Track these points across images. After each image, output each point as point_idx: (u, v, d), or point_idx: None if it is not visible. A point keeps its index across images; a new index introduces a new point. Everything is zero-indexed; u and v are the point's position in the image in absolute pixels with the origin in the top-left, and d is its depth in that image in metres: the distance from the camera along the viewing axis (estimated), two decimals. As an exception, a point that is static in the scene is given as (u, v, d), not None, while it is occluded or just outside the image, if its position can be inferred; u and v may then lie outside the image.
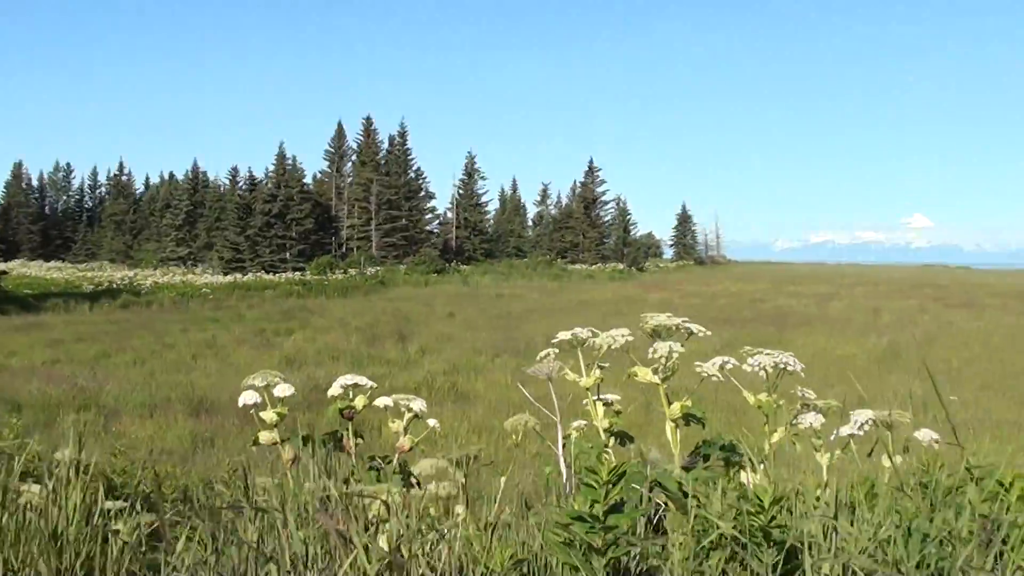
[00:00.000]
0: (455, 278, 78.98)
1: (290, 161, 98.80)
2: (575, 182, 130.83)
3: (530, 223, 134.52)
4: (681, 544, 2.82)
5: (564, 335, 4.11)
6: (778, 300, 54.26)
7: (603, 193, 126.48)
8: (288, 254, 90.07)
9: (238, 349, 27.71)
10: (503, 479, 4.04)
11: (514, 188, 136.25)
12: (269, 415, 4.43)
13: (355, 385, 4.61)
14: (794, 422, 3.99)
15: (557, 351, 4.17)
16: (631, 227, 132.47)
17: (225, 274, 79.24)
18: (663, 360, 3.76)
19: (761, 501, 2.81)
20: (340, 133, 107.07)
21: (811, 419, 3.98)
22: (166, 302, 50.26)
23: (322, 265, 78.91)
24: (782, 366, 3.90)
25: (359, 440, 4.49)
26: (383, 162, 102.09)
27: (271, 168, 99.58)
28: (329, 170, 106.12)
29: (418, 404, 4.68)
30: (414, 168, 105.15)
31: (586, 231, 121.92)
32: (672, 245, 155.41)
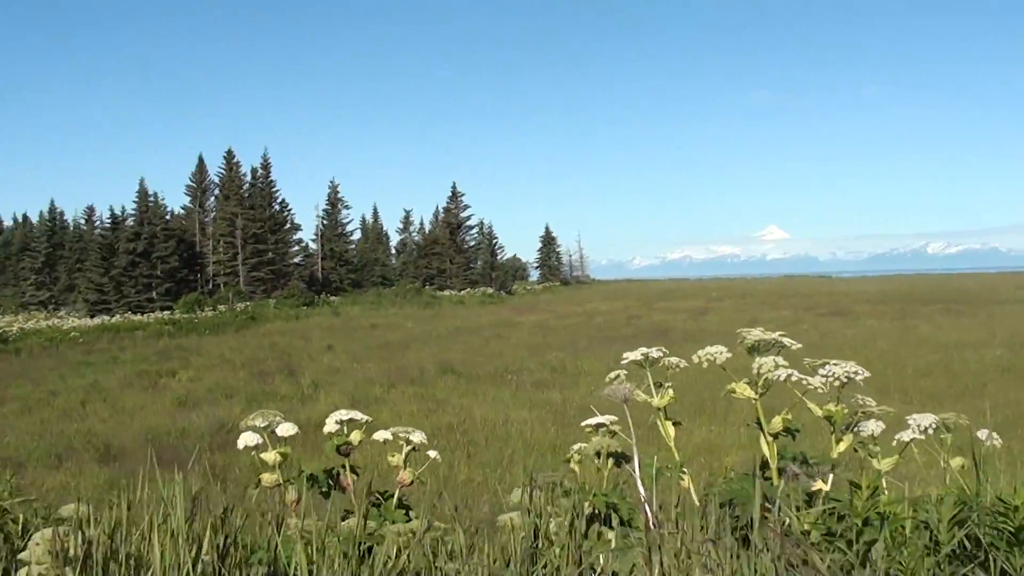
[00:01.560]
0: (325, 310, 78.19)
1: (152, 198, 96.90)
2: (437, 207, 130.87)
3: (393, 251, 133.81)
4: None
5: (633, 355, 4.08)
6: (653, 316, 54.85)
7: (468, 218, 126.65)
8: (155, 293, 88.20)
9: (125, 392, 27.01)
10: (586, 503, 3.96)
11: (375, 216, 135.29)
12: (271, 456, 4.34)
13: (351, 420, 4.55)
14: (856, 430, 4.00)
15: (626, 372, 4.12)
16: (497, 251, 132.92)
17: (91, 316, 77.33)
18: (763, 376, 3.74)
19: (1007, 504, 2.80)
20: (201, 167, 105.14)
21: (872, 426, 4.00)
22: (35, 348, 48.76)
23: (190, 303, 77.46)
24: (851, 375, 3.90)
25: (354, 476, 4.43)
26: (247, 195, 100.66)
27: (132, 206, 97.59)
28: (192, 205, 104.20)
29: (418, 436, 4.62)
30: (279, 200, 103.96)
31: (453, 256, 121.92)
32: (538, 267, 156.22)
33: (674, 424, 4.21)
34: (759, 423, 3.84)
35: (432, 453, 4.73)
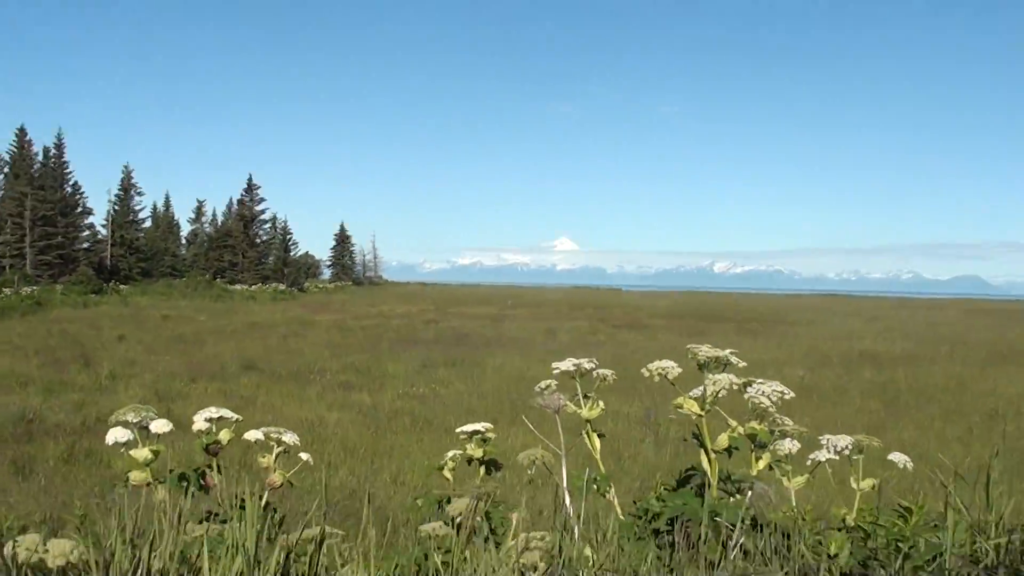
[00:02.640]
0: (115, 299, 75.96)
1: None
2: (231, 199, 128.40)
3: (184, 241, 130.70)
4: None
5: (563, 365, 3.99)
6: (450, 321, 54.85)
7: (262, 211, 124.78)
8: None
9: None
10: (515, 515, 3.85)
11: (167, 204, 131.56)
12: (143, 453, 4.15)
13: (220, 418, 4.40)
14: (773, 448, 4.00)
15: (556, 383, 4.03)
16: (291, 247, 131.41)
17: None
18: (714, 393, 3.70)
19: None
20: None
21: (788, 445, 4.02)
22: None
23: (-30, 285, 74.35)
24: (781, 394, 3.90)
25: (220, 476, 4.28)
26: (38, 175, 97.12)
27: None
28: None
29: (290, 437, 4.50)
30: (71, 182, 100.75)
31: (245, 250, 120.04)
32: (331, 265, 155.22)
33: (599, 436, 4.13)
34: (697, 438, 3.81)
35: (304, 455, 4.59)
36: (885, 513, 3.52)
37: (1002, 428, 17.66)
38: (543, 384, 4.00)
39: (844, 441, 4.03)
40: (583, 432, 4.04)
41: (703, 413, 3.72)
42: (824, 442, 4.06)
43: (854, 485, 4.02)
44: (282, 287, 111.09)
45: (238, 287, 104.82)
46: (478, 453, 4.88)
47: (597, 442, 4.03)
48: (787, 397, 3.90)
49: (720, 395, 3.73)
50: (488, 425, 4.92)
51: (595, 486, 3.89)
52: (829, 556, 3.13)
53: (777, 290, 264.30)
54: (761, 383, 3.89)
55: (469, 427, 4.92)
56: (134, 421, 4.19)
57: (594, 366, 4.00)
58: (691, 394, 3.81)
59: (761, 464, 3.97)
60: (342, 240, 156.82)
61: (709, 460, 3.74)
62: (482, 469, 4.85)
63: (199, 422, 4.35)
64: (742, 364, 3.89)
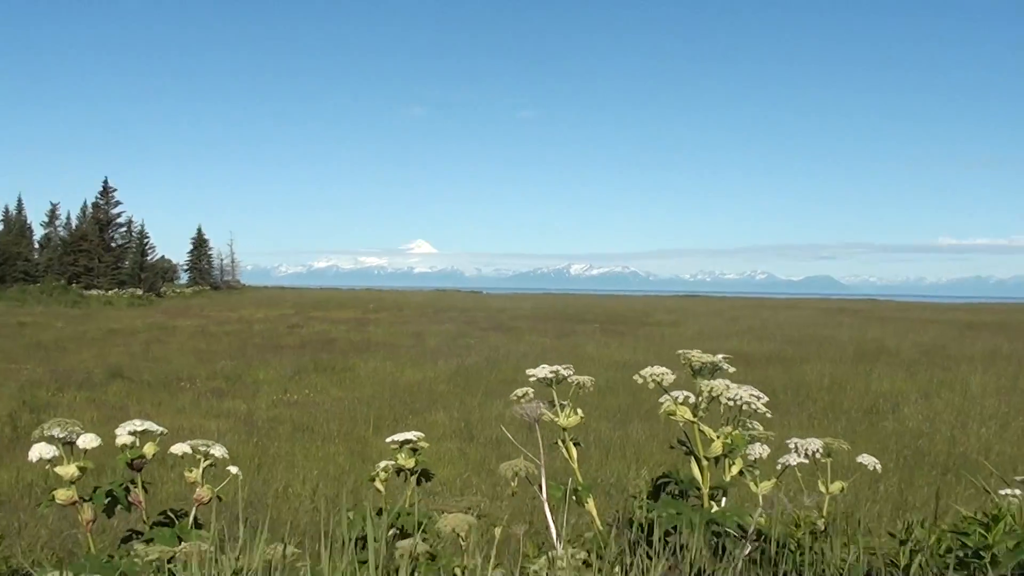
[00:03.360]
0: (-35, 304, 73.76)
1: None
2: (86, 203, 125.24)
3: (37, 245, 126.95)
4: None
5: (541, 371, 3.87)
6: (314, 326, 54.24)
7: (119, 215, 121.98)
8: None
9: None
10: (497, 530, 3.71)
11: (19, 207, 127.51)
12: (69, 471, 3.97)
13: (144, 432, 4.24)
14: (745, 452, 3.94)
15: (533, 391, 3.90)
16: (148, 251, 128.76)
17: None
18: (704, 398, 3.61)
19: None
20: None
21: (759, 450, 3.98)
22: None
23: None
24: (756, 397, 3.83)
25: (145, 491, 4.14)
26: None
27: None
28: None
29: (219, 450, 4.36)
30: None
31: (101, 255, 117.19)
32: (188, 270, 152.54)
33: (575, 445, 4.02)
34: (686, 444, 3.72)
35: (233, 469, 4.45)
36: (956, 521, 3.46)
37: (884, 424, 18.05)
38: (520, 392, 3.87)
39: (815, 444, 4.00)
40: (558, 441, 3.91)
41: (695, 419, 3.63)
42: (793, 446, 4.02)
43: (822, 488, 3.98)
44: (139, 292, 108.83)
45: (94, 292, 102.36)
46: (410, 463, 4.78)
47: (574, 451, 3.91)
48: (760, 402, 3.83)
49: (717, 400, 3.64)
50: (420, 434, 4.82)
51: (574, 496, 3.78)
52: (893, 564, 3.06)
53: (634, 291, 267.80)
54: (738, 387, 3.82)
55: (399, 436, 4.82)
56: (59, 436, 3.99)
57: (571, 373, 3.87)
58: (674, 397, 3.70)
59: (734, 470, 3.90)
60: (199, 244, 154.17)
61: (700, 468, 3.65)
62: (413, 479, 4.76)
63: (122, 436, 4.17)
64: (731, 369, 3.81)
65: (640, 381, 3.69)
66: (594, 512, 3.79)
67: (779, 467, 3.99)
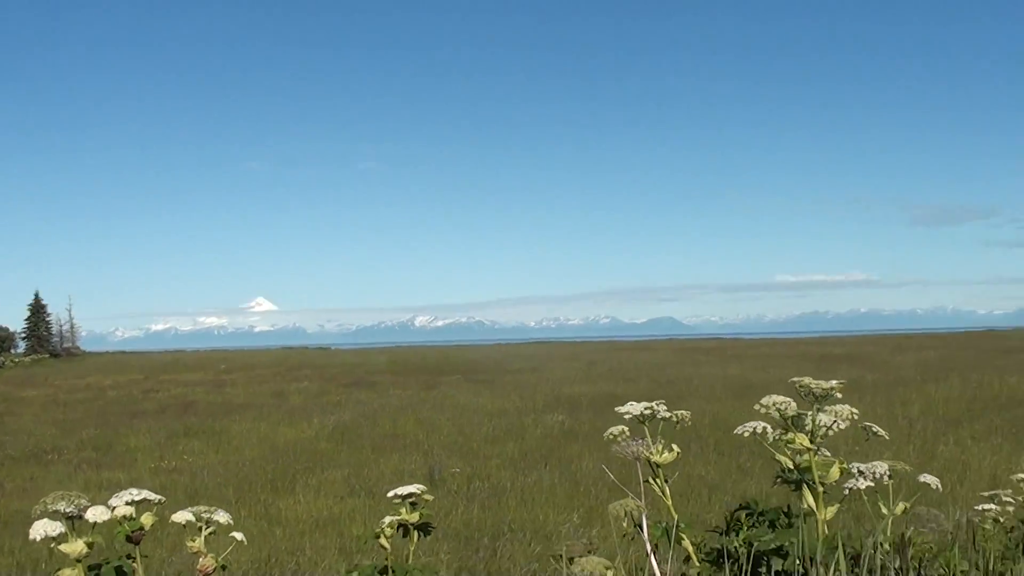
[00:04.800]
0: None
1: None
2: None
3: None
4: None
5: (635, 409, 3.85)
6: (169, 389, 53.18)
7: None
8: None
9: None
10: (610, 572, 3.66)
11: None
12: (77, 547, 3.75)
13: (144, 500, 4.05)
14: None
15: (628, 428, 3.88)
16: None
17: None
18: (826, 427, 3.63)
19: None
20: None
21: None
22: None
23: None
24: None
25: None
26: None
27: None
28: None
29: (223, 516, 4.23)
30: None
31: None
32: (26, 338, 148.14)
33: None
34: (789, 473, 3.73)
35: (238, 535, 4.31)
36: None
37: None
38: (616, 430, 3.84)
39: (881, 468, 4.04)
40: (648, 478, 3.89)
41: (813, 447, 3.64)
42: (859, 470, 4.06)
43: (885, 510, 4.02)
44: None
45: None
46: (414, 518, 4.71)
47: (667, 487, 3.89)
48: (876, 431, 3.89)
49: (835, 428, 3.67)
50: (422, 487, 4.75)
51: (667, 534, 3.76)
52: None
53: (481, 341, 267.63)
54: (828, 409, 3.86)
55: (403, 490, 4.74)
56: (66, 511, 3.79)
57: (665, 408, 3.86)
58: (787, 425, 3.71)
59: (813, 497, 3.92)
60: (37, 310, 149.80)
61: (815, 495, 3.66)
62: (416, 534, 4.69)
63: (120, 506, 3.95)
64: (839, 395, 3.83)
65: (762, 410, 3.67)
66: (691, 549, 3.78)
67: (846, 491, 4.02)
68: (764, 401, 3.67)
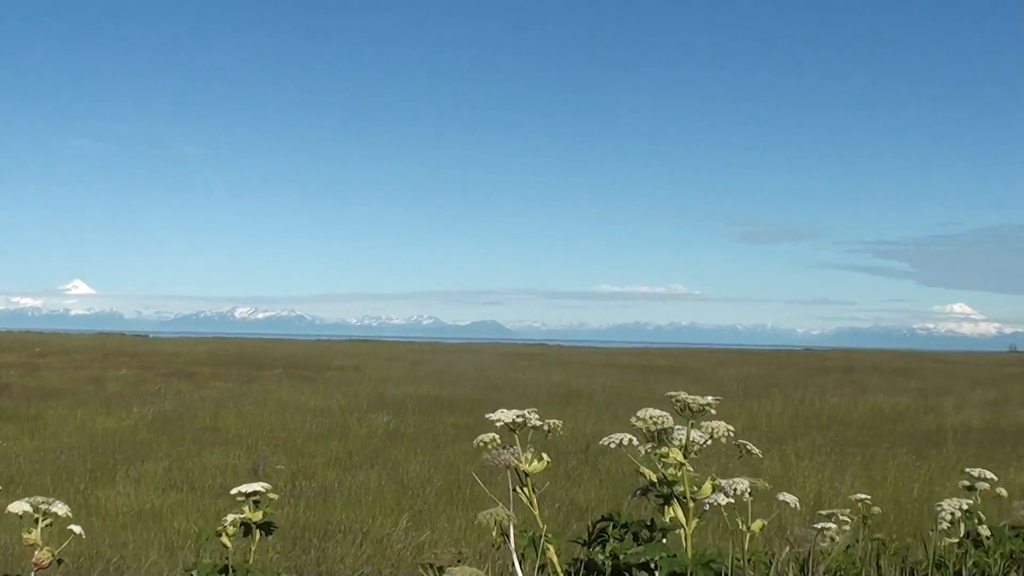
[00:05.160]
0: None
1: None
2: None
3: None
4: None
5: (504, 417, 3.79)
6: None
7: None
8: None
9: None
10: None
11: None
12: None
13: None
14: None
15: (499, 436, 3.82)
16: None
17: None
18: (697, 441, 3.63)
19: None
20: None
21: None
22: None
23: None
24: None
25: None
26: None
27: None
28: None
29: (61, 508, 4.16)
30: None
31: None
32: None
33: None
34: (656, 487, 3.73)
35: (76, 528, 4.22)
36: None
37: (605, 462, 18.56)
38: (486, 438, 3.79)
39: (743, 485, 4.09)
40: (515, 487, 3.85)
41: (686, 462, 3.65)
42: (719, 486, 4.10)
43: (743, 527, 4.07)
44: None
45: None
46: (257, 517, 4.65)
47: (534, 498, 3.86)
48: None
49: (708, 443, 3.68)
50: (267, 485, 4.69)
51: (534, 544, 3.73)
52: None
53: (302, 335, 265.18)
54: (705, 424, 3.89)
55: (247, 487, 4.67)
56: None
57: (537, 417, 3.83)
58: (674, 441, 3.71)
59: (672, 511, 3.94)
60: None
61: (686, 510, 3.67)
62: (258, 533, 4.64)
63: None
64: (713, 411, 3.85)
65: (640, 424, 3.66)
66: (555, 560, 3.75)
67: (706, 507, 4.06)
68: (640, 414, 3.66)
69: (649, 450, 3.70)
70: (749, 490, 4.05)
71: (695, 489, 3.72)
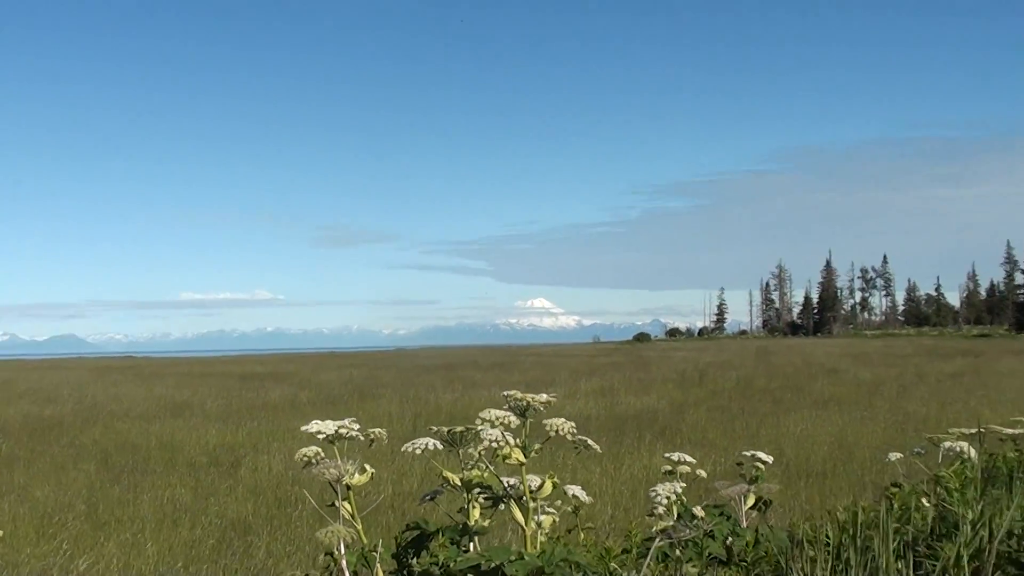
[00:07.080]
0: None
1: None
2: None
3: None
4: None
5: (324, 428, 3.62)
6: None
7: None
8: None
9: None
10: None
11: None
12: None
13: None
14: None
15: (321, 449, 3.64)
16: None
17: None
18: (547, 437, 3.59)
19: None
20: None
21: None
22: None
23: None
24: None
25: None
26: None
27: None
28: None
29: None
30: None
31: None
32: None
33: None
34: (487, 488, 3.68)
35: None
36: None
37: (243, 474, 18.15)
38: (310, 452, 3.63)
39: (535, 481, 4.11)
40: (334, 501, 3.70)
41: (525, 462, 3.61)
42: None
43: (533, 525, 4.09)
44: None
45: None
46: None
47: (355, 509, 3.73)
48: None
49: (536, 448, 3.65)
50: None
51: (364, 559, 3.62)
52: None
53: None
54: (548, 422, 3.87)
55: None
56: None
57: (357, 428, 3.70)
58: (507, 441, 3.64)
59: (477, 512, 3.93)
60: None
61: (525, 512, 3.64)
62: None
63: None
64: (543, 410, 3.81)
65: (485, 424, 3.58)
66: (380, 570, 3.66)
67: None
68: (483, 415, 3.60)
69: (482, 453, 3.66)
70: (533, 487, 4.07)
71: (532, 489, 3.69)
